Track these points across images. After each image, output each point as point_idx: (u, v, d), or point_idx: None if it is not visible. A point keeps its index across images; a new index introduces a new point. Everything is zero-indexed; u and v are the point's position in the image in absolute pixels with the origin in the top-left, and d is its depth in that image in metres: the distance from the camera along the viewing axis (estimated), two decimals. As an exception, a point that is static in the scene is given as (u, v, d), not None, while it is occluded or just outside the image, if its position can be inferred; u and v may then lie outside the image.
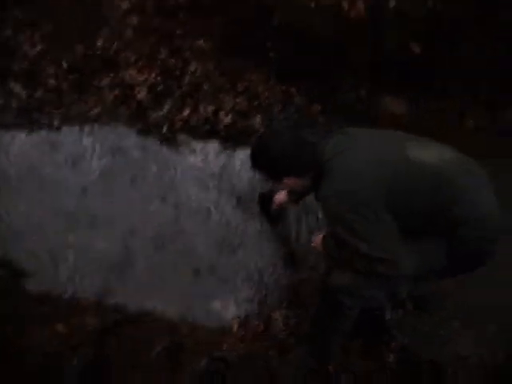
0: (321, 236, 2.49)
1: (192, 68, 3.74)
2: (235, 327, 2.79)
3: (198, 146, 3.48)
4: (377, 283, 2.21)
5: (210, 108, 3.57)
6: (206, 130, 3.52)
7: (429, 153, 2.14)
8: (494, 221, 2.14)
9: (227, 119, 3.54)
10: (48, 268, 2.94)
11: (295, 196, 2.80)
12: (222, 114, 3.55)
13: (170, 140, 3.48)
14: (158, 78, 3.70)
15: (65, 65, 3.81)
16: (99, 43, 3.89)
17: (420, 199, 2.08)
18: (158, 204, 3.24)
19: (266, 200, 3.08)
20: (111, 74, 3.76)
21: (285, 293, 2.97)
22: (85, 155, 3.43)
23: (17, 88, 3.73)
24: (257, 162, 2.29)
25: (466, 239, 2.12)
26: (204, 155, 3.44)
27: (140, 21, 3.94)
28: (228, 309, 2.88)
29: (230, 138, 3.50)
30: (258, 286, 2.98)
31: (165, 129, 3.52)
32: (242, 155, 3.45)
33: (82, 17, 4.03)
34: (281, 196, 2.94)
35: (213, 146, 3.49)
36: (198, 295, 2.92)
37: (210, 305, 2.89)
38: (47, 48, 3.91)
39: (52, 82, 3.76)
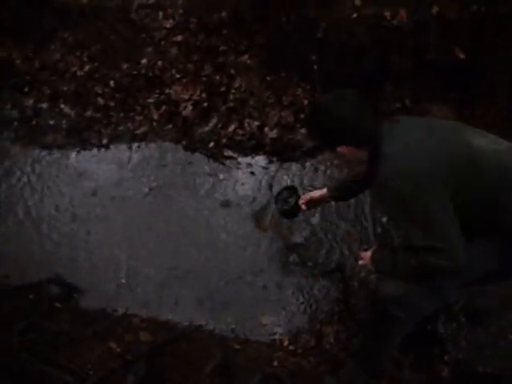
0: (369, 253, 2.40)
1: (237, 84, 3.83)
2: (286, 342, 2.83)
3: (244, 160, 3.55)
4: (427, 289, 2.19)
5: (255, 123, 3.65)
6: (252, 145, 3.59)
7: (488, 141, 2.09)
8: None
9: (272, 134, 3.62)
10: (101, 285, 3.05)
11: (351, 166, 2.70)
12: (267, 128, 3.62)
13: (216, 155, 3.57)
14: (203, 95, 3.81)
15: (112, 84, 3.95)
16: (144, 61, 4.02)
17: (482, 187, 2.02)
18: (207, 217, 3.32)
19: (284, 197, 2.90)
20: (157, 92, 3.90)
21: (335, 306, 2.99)
22: (134, 172, 3.54)
23: (66, 108, 3.91)
24: (315, 124, 2.17)
25: None
26: (251, 170, 3.51)
27: (184, 38, 4.06)
28: (278, 324, 2.92)
29: (276, 153, 3.55)
30: (308, 299, 3.00)
31: (211, 144, 3.61)
32: (289, 168, 3.50)
33: (127, 36, 4.18)
34: (316, 194, 2.80)
35: (259, 160, 3.55)
36: (248, 310, 2.97)
37: (261, 320, 2.93)
38: (95, 68, 4.07)
39: (100, 101, 3.91)
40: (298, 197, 2.78)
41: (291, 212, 2.83)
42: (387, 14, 3.55)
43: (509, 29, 3.53)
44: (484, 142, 2.07)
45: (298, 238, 3.27)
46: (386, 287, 2.33)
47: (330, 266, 3.15)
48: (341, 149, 2.09)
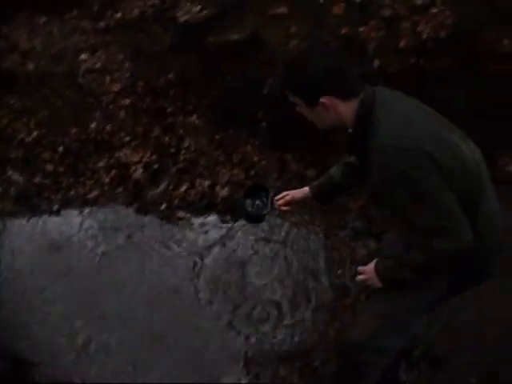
0: (370, 266, 2.20)
1: (186, 144, 3.88)
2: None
3: (197, 221, 3.57)
4: (394, 327, 2.21)
5: (207, 182, 3.69)
6: (204, 205, 3.62)
7: (466, 143, 1.98)
8: (498, 233, 2.07)
9: (224, 192, 3.65)
10: (54, 358, 2.98)
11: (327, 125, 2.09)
12: (218, 187, 3.67)
13: (169, 217, 3.58)
14: (153, 157, 3.84)
15: (61, 149, 3.96)
16: (93, 126, 4.05)
17: (460, 178, 1.89)
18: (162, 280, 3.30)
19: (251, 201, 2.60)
20: (106, 156, 3.91)
21: (296, 362, 2.98)
22: (86, 237, 3.51)
23: (15, 175, 3.88)
24: (294, 75, 1.93)
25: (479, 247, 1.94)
26: (203, 230, 3.52)
27: (132, 102, 4.11)
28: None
29: (229, 211, 3.58)
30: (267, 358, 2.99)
31: (163, 206, 3.63)
32: (241, 226, 3.54)
33: (75, 101, 4.21)
34: (297, 194, 2.52)
35: (212, 219, 3.58)
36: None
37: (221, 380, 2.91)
38: (42, 134, 4.07)
39: (49, 167, 3.90)
40: (268, 198, 2.54)
41: (259, 216, 2.60)
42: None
43: (449, 80, 3.70)
44: (464, 143, 1.96)
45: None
46: (353, 332, 2.34)
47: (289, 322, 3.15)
48: (325, 99, 1.87)
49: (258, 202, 2.56)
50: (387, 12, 3.82)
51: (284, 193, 2.51)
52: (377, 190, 1.97)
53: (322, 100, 1.87)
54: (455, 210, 1.84)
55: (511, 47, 3.94)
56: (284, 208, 2.51)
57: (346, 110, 1.91)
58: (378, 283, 2.16)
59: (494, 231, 2.04)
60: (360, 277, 2.23)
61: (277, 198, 2.50)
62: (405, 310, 2.17)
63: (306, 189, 2.48)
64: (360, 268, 2.25)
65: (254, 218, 2.67)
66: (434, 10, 3.87)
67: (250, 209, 2.54)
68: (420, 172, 1.78)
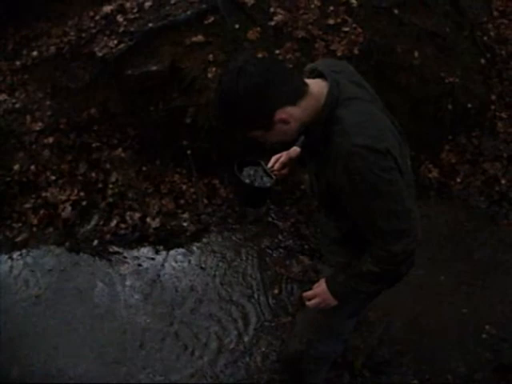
0: (320, 288, 2.10)
1: (113, 178, 3.89)
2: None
3: (130, 254, 3.58)
4: (329, 335, 2.26)
5: (137, 215, 3.71)
6: (136, 237, 3.64)
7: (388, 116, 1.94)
8: None
9: (155, 223, 3.68)
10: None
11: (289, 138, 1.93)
12: (149, 218, 3.69)
13: (101, 253, 3.58)
14: (81, 193, 3.84)
15: (-17, 195, 3.89)
16: (17, 167, 3.99)
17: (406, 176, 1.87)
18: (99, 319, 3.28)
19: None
20: (33, 196, 3.87)
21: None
22: (17, 282, 3.46)
23: None
24: (233, 115, 1.76)
25: None
26: (137, 263, 3.54)
27: (55, 139, 4.08)
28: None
29: (161, 241, 3.62)
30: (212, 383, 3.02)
31: (95, 242, 3.62)
32: (175, 255, 3.57)
33: (-5, 144, 4.15)
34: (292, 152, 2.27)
35: (145, 251, 3.60)
36: None
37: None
38: (-37, 180, 3.99)
39: (-28, 213, 3.83)
40: (262, 169, 2.17)
41: (265, 189, 2.14)
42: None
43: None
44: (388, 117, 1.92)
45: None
46: (290, 346, 2.42)
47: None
48: (278, 115, 1.74)
49: (252, 175, 2.16)
50: (301, 33, 3.97)
51: (275, 156, 2.25)
52: (335, 193, 1.85)
53: (276, 117, 1.74)
54: (414, 210, 1.83)
55: (422, 59, 4.18)
56: (283, 172, 2.23)
57: (304, 110, 1.78)
58: (333, 302, 2.07)
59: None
60: (312, 302, 2.11)
61: (270, 164, 2.22)
62: (336, 314, 2.16)
63: (296, 148, 2.25)
64: (307, 293, 2.13)
65: (260, 193, 2.18)
66: (346, 29, 4.06)
67: (251, 183, 2.12)
68: (390, 175, 1.73)
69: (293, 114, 1.76)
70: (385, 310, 3.17)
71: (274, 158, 2.22)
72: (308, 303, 2.13)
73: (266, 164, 2.19)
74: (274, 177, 2.14)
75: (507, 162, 4.42)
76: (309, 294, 2.12)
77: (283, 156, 2.22)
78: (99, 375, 3.02)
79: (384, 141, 1.74)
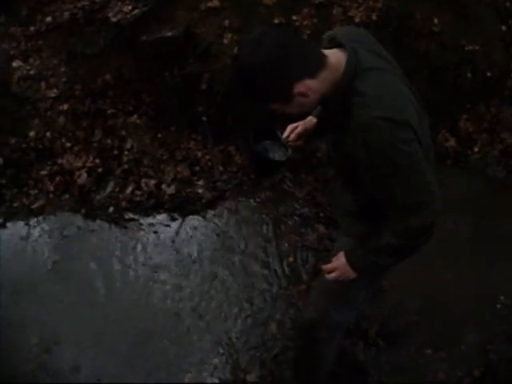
0: (340, 261, 2.12)
1: (128, 145, 3.90)
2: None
3: (146, 221, 3.60)
4: (343, 302, 2.27)
5: (152, 182, 3.72)
6: (152, 204, 3.65)
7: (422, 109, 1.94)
8: None
9: (171, 190, 3.69)
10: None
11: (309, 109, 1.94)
12: (164, 185, 3.70)
13: (117, 220, 3.60)
14: (97, 161, 3.84)
15: (1, 161, 3.90)
16: (32, 134, 4.00)
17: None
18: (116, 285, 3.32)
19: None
20: (49, 163, 3.89)
21: (255, 352, 3.05)
22: (34, 248, 3.49)
23: (-45, 189, 3.81)
24: (252, 87, 1.72)
25: None
26: (153, 229, 3.56)
27: (70, 106, 4.08)
28: (202, 380, 2.95)
29: (177, 208, 3.64)
30: (227, 350, 3.05)
31: (111, 209, 3.64)
32: (191, 222, 3.59)
33: (11, 110, 4.15)
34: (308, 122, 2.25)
35: (160, 218, 3.61)
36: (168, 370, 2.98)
37: (184, 379, 2.95)
38: (-20, 147, 4.01)
39: (-10, 179, 3.85)
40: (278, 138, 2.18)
41: (277, 165, 2.20)
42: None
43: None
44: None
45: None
46: (304, 314, 2.45)
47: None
48: (297, 87, 1.71)
49: (269, 145, 2.17)
50: (318, -1, 3.92)
51: (291, 126, 2.22)
52: (353, 165, 1.83)
53: (295, 91, 1.71)
54: (433, 182, 1.82)
55: (441, 26, 4.11)
56: (298, 142, 2.22)
57: (323, 82, 1.74)
58: (352, 275, 2.09)
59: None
60: (332, 275, 2.14)
61: (286, 134, 2.20)
62: (352, 284, 2.17)
63: (312, 118, 2.23)
64: (327, 266, 2.17)
65: (274, 165, 2.23)
66: (364, -5, 4.00)
67: (266, 154, 2.13)
68: (410, 147, 1.72)
69: (312, 86, 1.73)
70: (399, 280, 3.17)
71: (289, 128, 2.19)
72: (328, 276, 2.15)
73: (282, 133, 2.17)
74: (289, 149, 2.14)
75: (526, 131, 4.37)
76: (328, 267, 2.15)
77: (299, 126, 2.20)
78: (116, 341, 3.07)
79: (404, 112, 1.73)
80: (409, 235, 1.88)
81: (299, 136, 2.19)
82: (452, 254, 3.44)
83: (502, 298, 3.26)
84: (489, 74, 4.26)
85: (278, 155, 2.14)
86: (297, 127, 2.19)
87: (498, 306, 3.24)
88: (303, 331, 2.48)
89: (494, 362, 3.01)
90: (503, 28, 4.51)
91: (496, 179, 4.09)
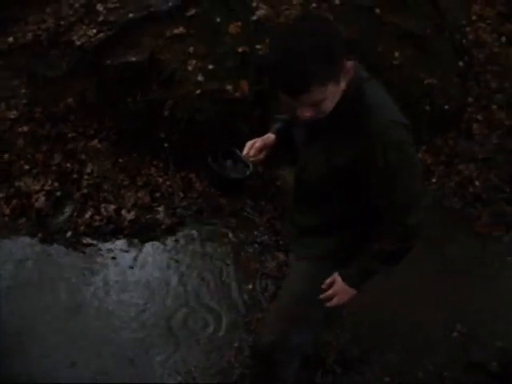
0: (338, 286, 2.12)
1: (88, 169, 3.87)
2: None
3: (104, 246, 3.57)
4: (302, 324, 2.28)
5: (112, 207, 3.69)
6: (111, 230, 3.62)
7: None
8: None
9: (130, 215, 3.67)
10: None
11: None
12: (124, 211, 3.68)
13: (75, 244, 3.56)
14: (55, 184, 3.80)
15: (-45, 182, 3.83)
16: (-10, 156, 3.94)
17: None
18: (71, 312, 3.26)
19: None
20: (6, 186, 3.82)
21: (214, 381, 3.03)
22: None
23: None
24: (304, 55, 1.61)
25: None
26: (111, 255, 3.53)
27: (30, 128, 4.04)
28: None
29: (136, 234, 3.62)
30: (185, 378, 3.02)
31: (69, 234, 3.60)
32: (150, 248, 3.58)
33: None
34: (266, 140, 2.20)
35: (119, 244, 3.59)
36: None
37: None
38: None
39: None
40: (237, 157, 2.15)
41: (239, 183, 2.16)
42: (229, 87, 3.80)
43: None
44: None
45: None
46: (262, 337, 2.43)
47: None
48: (345, 63, 1.69)
49: (228, 165, 2.15)
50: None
51: (249, 142, 2.17)
52: (350, 171, 1.86)
53: (344, 65, 1.69)
54: (423, 182, 1.97)
55: (402, 59, 4.23)
56: (260, 157, 2.16)
57: (339, 88, 1.74)
58: (353, 293, 2.13)
59: None
60: (334, 301, 2.13)
61: (246, 151, 2.14)
62: (309, 304, 2.21)
63: (270, 135, 2.21)
64: (327, 294, 2.13)
65: (236, 183, 2.19)
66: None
67: (229, 172, 2.12)
68: (413, 148, 1.87)
69: (349, 69, 1.73)
70: (356, 307, 3.19)
71: (248, 144, 2.16)
72: (330, 303, 2.15)
73: (241, 152, 2.16)
74: (250, 165, 2.14)
75: (482, 163, 4.49)
76: (329, 294, 2.14)
77: (258, 141, 2.17)
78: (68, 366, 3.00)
79: (404, 118, 1.83)
80: (407, 235, 1.95)
81: (259, 150, 2.15)
82: (407, 284, 3.49)
83: (458, 325, 3.30)
84: (446, 107, 4.40)
85: (237, 173, 2.15)
86: (255, 142, 2.16)
87: (455, 333, 3.28)
88: (262, 355, 2.47)
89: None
90: (460, 64, 4.68)
91: (453, 210, 4.18)
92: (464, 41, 4.88)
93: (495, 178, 4.36)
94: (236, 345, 3.15)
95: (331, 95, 1.72)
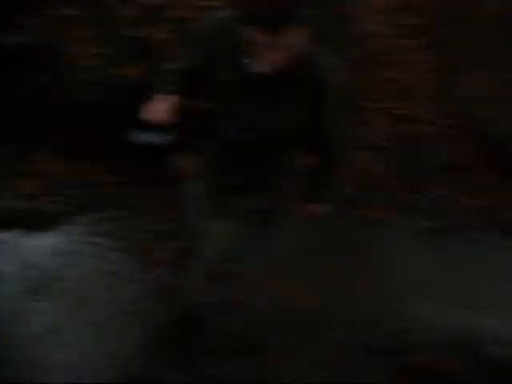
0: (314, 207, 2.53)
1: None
2: None
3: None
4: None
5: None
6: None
7: None
8: None
9: (18, 204, 3.57)
10: None
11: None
12: (10, 200, 3.57)
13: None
14: None
15: None
16: None
17: None
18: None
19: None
20: None
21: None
22: None
23: None
24: None
25: None
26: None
27: None
28: None
29: (22, 223, 3.52)
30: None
31: None
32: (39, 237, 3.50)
33: None
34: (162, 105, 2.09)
35: (7, 233, 3.48)
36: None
37: None
38: None
39: None
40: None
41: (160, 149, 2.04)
42: (119, 71, 3.79)
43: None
44: None
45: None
46: (192, 299, 2.52)
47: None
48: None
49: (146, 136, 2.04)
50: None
51: (152, 109, 2.06)
52: (312, 111, 2.04)
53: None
54: None
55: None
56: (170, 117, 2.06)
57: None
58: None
59: None
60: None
61: (152, 117, 2.04)
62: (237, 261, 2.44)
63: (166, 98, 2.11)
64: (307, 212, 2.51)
65: (157, 150, 2.07)
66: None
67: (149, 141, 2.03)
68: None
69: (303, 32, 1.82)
70: (253, 293, 3.27)
71: (152, 112, 2.04)
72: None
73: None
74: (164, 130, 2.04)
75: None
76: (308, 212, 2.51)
77: (162, 105, 2.05)
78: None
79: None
80: (342, 151, 2.31)
81: (164, 112, 2.04)
82: (303, 267, 3.60)
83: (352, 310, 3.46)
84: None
85: (159, 139, 2.04)
86: (158, 106, 2.06)
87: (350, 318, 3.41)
88: (190, 316, 2.62)
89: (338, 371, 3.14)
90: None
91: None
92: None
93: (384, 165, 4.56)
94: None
95: (298, 44, 1.80)
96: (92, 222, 3.66)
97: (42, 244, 3.49)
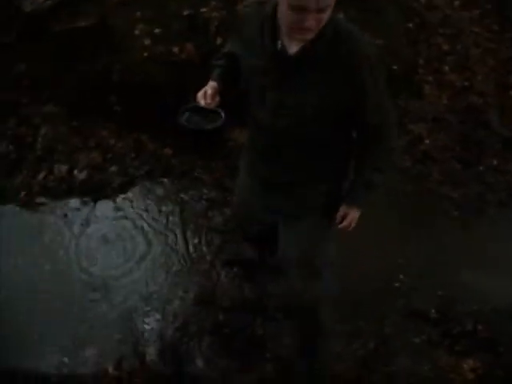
0: (351, 213, 2.37)
1: (43, 132, 3.97)
2: (110, 369, 2.99)
3: (57, 204, 3.70)
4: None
5: (64, 167, 3.81)
6: (63, 189, 3.75)
7: None
8: None
9: (82, 175, 3.80)
10: None
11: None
12: (76, 171, 3.81)
13: (28, 204, 3.69)
14: (10, 147, 3.91)
15: None
16: None
17: None
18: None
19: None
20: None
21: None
22: None
23: None
24: None
25: None
26: (64, 213, 3.67)
27: (-19, 96, 4.13)
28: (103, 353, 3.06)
29: (88, 193, 3.76)
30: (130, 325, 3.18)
31: (22, 194, 3.72)
32: (101, 207, 3.73)
33: None
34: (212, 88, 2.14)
35: (71, 202, 3.73)
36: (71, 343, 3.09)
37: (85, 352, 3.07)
38: None
39: None
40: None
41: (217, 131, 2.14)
42: (175, 49, 3.91)
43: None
44: None
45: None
46: (312, 288, 2.54)
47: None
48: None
49: (198, 119, 2.14)
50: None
51: (200, 93, 2.12)
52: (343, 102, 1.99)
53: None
54: None
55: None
56: (217, 101, 2.12)
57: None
58: (358, 213, 2.38)
59: None
60: (344, 224, 2.38)
61: (202, 102, 2.10)
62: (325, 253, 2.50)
63: (211, 82, 2.17)
64: (343, 227, 2.38)
65: (213, 132, 2.17)
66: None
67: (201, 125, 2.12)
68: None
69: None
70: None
71: (200, 95, 2.10)
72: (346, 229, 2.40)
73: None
74: (221, 112, 2.13)
75: (432, 123, 4.62)
76: (345, 225, 2.38)
77: (208, 89, 2.11)
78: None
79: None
80: (392, 137, 2.19)
81: (213, 97, 2.10)
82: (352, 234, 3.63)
83: (401, 276, 3.46)
84: (394, 67, 4.51)
85: (212, 123, 2.13)
86: (206, 91, 2.11)
87: (397, 284, 3.43)
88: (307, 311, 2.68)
89: (387, 334, 3.20)
90: (410, 25, 4.79)
91: (403, 168, 4.30)
92: (415, 4, 4.98)
93: (445, 137, 4.49)
94: (181, 294, 3.30)
95: (330, 12, 1.79)
96: (151, 191, 3.85)
97: (104, 212, 3.71)
